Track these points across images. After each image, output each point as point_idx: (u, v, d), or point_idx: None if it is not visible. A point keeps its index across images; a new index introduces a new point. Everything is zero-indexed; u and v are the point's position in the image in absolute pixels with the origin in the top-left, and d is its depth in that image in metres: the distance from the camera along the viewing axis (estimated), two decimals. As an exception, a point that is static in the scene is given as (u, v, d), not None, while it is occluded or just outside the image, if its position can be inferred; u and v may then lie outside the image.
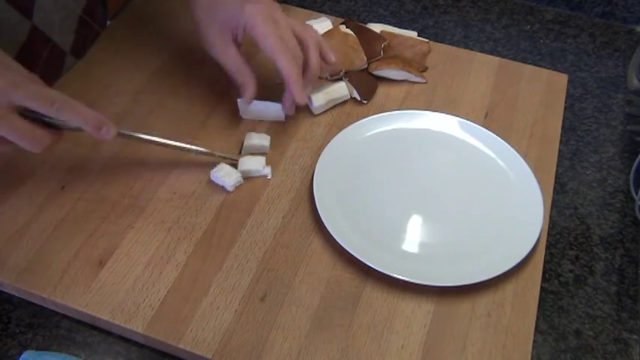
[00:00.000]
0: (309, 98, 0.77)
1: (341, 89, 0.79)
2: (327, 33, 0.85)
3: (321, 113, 0.78)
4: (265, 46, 0.70)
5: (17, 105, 0.58)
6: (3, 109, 0.57)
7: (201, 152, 0.70)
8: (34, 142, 0.60)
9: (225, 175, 0.69)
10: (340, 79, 0.81)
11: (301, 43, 0.72)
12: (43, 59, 0.58)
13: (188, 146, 0.70)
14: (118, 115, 0.76)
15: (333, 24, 0.87)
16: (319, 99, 0.77)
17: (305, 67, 0.73)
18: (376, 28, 0.86)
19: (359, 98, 0.80)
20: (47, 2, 0.75)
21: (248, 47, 0.75)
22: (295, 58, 0.71)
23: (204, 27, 0.73)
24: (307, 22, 0.86)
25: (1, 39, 0.71)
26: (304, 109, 0.79)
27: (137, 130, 0.67)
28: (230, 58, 0.73)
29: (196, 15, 0.73)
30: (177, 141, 0.69)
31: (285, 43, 0.70)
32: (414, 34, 0.87)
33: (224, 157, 0.71)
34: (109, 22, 0.92)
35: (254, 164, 0.71)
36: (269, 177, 0.71)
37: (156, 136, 0.68)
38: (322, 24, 0.86)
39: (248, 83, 0.73)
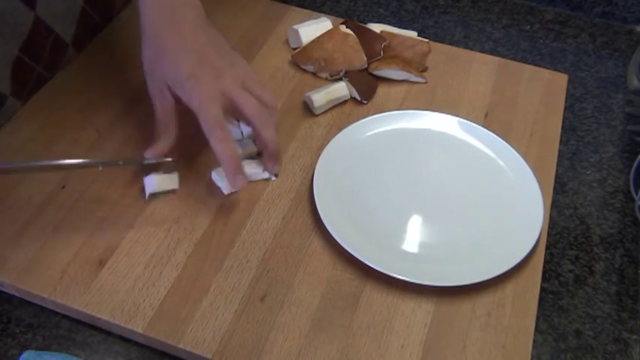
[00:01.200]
0: (310, 99, 0.77)
1: (341, 89, 0.79)
2: (327, 33, 0.85)
3: (321, 113, 0.78)
4: (202, 125, 0.64)
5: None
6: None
7: (105, 164, 0.65)
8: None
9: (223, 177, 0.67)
10: (340, 79, 0.81)
11: (247, 120, 0.67)
12: (46, 50, 0.56)
13: (83, 161, 0.65)
14: (117, 114, 0.76)
15: (333, 24, 0.87)
16: (320, 99, 0.77)
17: (262, 145, 0.69)
18: (376, 28, 0.86)
19: (359, 98, 0.80)
20: None
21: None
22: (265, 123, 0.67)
23: (148, 68, 0.68)
24: (307, 22, 0.86)
25: (4, 30, 0.71)
26: (305, 110, 0.79)
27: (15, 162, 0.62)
28: (163, 109, 0.67)
29: (144, 53, 0.68)
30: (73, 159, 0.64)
31: (221, 121, 0.64)
32: (414, 34, 0.87)
33: (131, 164, 0.66)
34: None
35: (254, 167, 0.70)
36: (274, 178, 0.71)
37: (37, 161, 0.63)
38: (322, 24, 0.86)
39: (163, 142, 0.67)
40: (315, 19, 0.87)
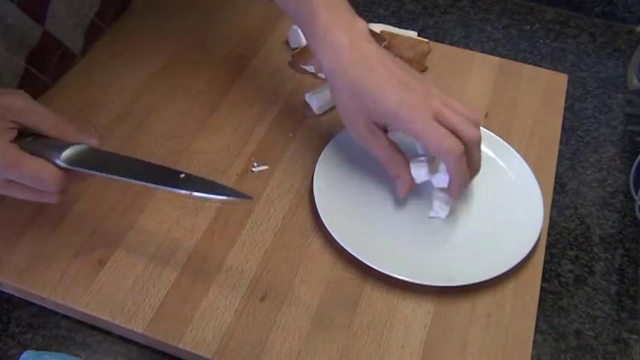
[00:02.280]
0: (311, 98, 0.77)
1: None
2: None
3: (321, 113, 0.78)
4: (431, 148, 0.62)
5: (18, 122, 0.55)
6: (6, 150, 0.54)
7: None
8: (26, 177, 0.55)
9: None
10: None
11: (461, 139, 0.62)
12: (53, 62, 0.56)
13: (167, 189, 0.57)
14: (117, 115, 0.76)
15: None
16: (320, 99, 0.77)
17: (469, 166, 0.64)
18: (376, 28, 0.86)
19: (359, 98, 0.80)
20: (60, 8, 0.74)
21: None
22: (468, 150, 0.62)
23: (348, 114, 0.65)
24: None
25: (11, 43, 0.70)
26: (305, 110, 0.79)
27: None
28: (382, 149, 0.66)
29: (339, 98, 0.65)
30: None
31: (453, 137, 0.61)
32: (414, 34, 0.87)
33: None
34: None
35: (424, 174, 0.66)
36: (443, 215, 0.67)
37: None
38: None
39: (403, 175, 0.66)
40: None
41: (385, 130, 0.66)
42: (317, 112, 0.78)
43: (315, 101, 0.77)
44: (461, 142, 0.61)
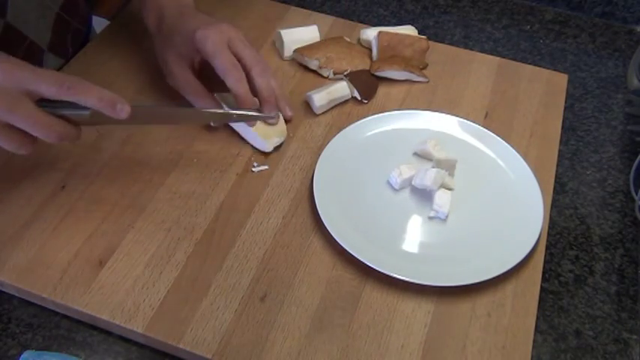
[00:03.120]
0: (311, 98, 0.77)
1: (342, 89, 0.79)
2: (332, 39, 0.85)
3: (322, 113, 0.78)
4: (216, 66, 0.69)
5: (29, 90, 0.56)
6: (16, 95, 0.55)
7: (238, 116, 0.71)
8: (50, 130, 0.57)
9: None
10: (341, 79, 0.81)
11: (245, 66, 0.71)
12: (20, 57, 0.57)
13: (218, 110, 0.71)
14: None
15: (322, 33, 0.87)
16: (321, 99, 0.77)
17: (257, 93, 0.71)
18: (373, 31, 0.86)
19: (359, 98, 0.80)
20: (20, 0, 0.74)
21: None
22: (250, 75, 0.71)
23: (161, 56, 0.74)
24: (296, 29, 0.86)
25: None
26: (305, 110, 0.79)
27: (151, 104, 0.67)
28: (187, 84, 0.73)
29: (155, 46, 0.75)
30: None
31: (236, 63, 0.70)
32: (411, 28, 0.87)
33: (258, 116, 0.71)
34: (99, 19, 0.92)
35: (429, 179, 0.68)
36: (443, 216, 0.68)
37: (173, 106, 0.69)
38: (310, 35, 0.86)
39: (206, 104, 0.73)
40: (307, 26, 0.87)
41: (195, 73, 0.73)
42: (318, 112, 0.78)
43: (317, 101, 0.77)
44: (244, 68, 0.70)
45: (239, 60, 0.70)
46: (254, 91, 0.71)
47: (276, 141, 0.73)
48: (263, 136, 0.72)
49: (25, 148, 0.58)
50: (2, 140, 0.57)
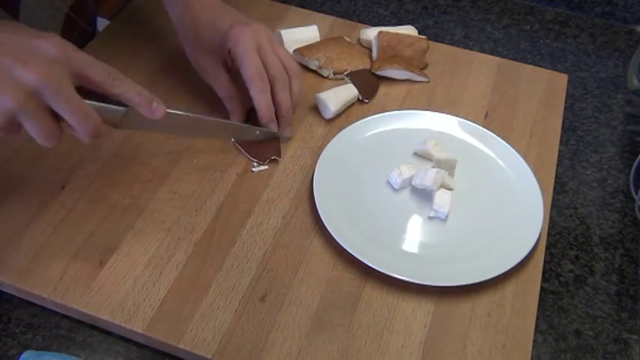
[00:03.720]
0: (326, 105, 0.76)
1: (351, 91, 0.78)
2: (332, 39, 0.85)
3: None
4: (243, 72, 0.70)
5: (75, 73, 0.54)
6: (64, 76, 0.53)
7: (261, 132, 0.73)
8: (89, 121, 0.55)
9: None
10: (345, 80, 0.81)
11: (269, 79, 0.71)
12: None
13: (241, 124, 0.73)
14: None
15: (322, 33, 0.87)
16: (337, 105, 0.76)
17: (275, 106, 0.72)
18: (372, 30, 0.86)
19: (361, 97, 0.80)
20: (33, 0, 0.74)
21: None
22: (274, 87, 0.71)
23: (193, 52, 0.74)
24: (296, 29, 0.86)
25: None
26: (305, 109, 0.78)
27: (185, 110, 0.68)
28: (221, 84, 0.74)
29: (185, 38, 0.74)
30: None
31: (263, 72, 0.70)
32: (411, 28, 0.87)
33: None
34: (101, 20, 0.92)
35: (429, 180, 0.68)
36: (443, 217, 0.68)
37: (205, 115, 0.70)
38: (310, 35, 0.86)
39: (236, 111, 0.74)
40: (307, 25, 0.87)
41: (228, 69, 0.73)
42: (327, 117, 0.77)
43: (331, 107, 0.76)
44: (269, 77, 0.70)
45: (266, 67, 0.70)
46: (274, 102, 0.72)
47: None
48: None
49: (53, 138, 0.54)
50: (35, 124, 0.53)
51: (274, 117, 0.72)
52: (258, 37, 0.70)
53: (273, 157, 0.72)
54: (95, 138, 0.56)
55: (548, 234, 0.69)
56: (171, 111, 0.62)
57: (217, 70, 0.73)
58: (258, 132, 0.73)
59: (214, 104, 0.78)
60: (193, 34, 0.73)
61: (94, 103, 0.57)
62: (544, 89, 0.83)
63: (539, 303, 0.62)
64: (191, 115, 0.68)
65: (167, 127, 0.68)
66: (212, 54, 0.72)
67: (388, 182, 0.71)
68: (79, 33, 0.87)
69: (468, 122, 0.77)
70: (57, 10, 0.80)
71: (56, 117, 0.54)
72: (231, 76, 0.74)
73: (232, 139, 0.74)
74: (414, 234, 0.67)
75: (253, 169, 0.72)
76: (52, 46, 0.53)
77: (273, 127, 0.73)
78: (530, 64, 0.88)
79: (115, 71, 0.57)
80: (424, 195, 0.70)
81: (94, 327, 0.60)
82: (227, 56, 0.72)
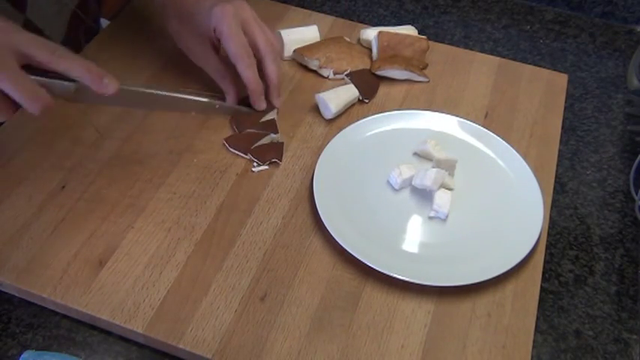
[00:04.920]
0: (327, 105, 0.76)
1: (352, 92, 0.78)
2: (332, 39, 0.85)
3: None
4: (228, 49, 0.71)
5: (19, 53, 0.55)
6: (6, 55, 0.55)
7: (220, 107, 0.74)
8: (35, 99, 0.57)
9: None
10: (345, 81, 0.81)
11: (259, 52, 0.73)
12: None
13: (197, 98, 0.74)
14: (118, 115, 0.76)
15: (322, 33, 0.87)
16: (338, 106, 0.76)
17: (266, 78, 0.74)
18: (372, 30, 0.86)
19: (361, 97, 0.80)
20: None
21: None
22: (260, 62, 0.73)
23: (183, 37, 0.75)
24: (296, 29, 0.86)
25: None
26: (304, 109, 0.78)
27: (141, 85, 0.69)
28: (211, 66, 0.75)
29: (172, 26, 0.75)
30: (185, 94, 0.73)
31: (248, 48, 0.71)
32: (411, 28, 0.87)
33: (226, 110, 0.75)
34: (102, 20, 0.92)
35: (429, 179, 0.69)
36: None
37: (161, 90, 0.71)
38: (310, 35, 0.86)
39: (230, 91, 0.76)
40: (307, 25, 0.87)
41: (217, 50, 0.74)
42: (327, 118, 0.77)
43: (333, 108, 0.76)
44: (258, 53, 0.72)
45: (253, 44, 0.72)
46: (261, 74, 0.73)
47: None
48: None
49: (3, 113, 0.57)
50: None
51: (263, 93, 0.74)
52: (242, 14, 0.71)
53: (273, 160, 0.72)
54: (46, 112, 0.58)
55: (548, 234, 0.69)
56: (125, 87, 0.63)
57: (206, 50, 0.74)
58: (217, 106, 0.74)
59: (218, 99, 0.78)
60: (178, 18, 0.74)
61: (42, 79, 0.58)
62: (544, 89, 0.83)
63: (539, 303, 0.62)
64: (146, 90, 0.69)
65: (122, 100, 0.68)
66: (199, 35, 0.73)
67: (388, 182, 0.71)
68: (85, 30, 0.87)
69: (468, 122, 0.77)
70: (64, 6, 0.81)
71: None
72: (220, 57, 0.75)
73: (226, 143, 0.74)
74: (414, 234, 0.67)
75: (253, 169, 0.72)
76: None
77: (263, 102, 0.75)
78: (530, 64, 0.88)
79: (61, 48, 0.58)
80: (424, 195, 0.70)
81: (94, 327, 0.60)
82: (213, 35, 0.73)
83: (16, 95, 0.56)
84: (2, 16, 0.57)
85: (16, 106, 0.58)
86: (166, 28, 0.76)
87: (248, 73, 0.72)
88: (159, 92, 0.72)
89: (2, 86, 0.55)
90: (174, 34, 0.76)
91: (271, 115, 0.77)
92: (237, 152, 0.73)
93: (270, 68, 0.74)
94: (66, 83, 0.61)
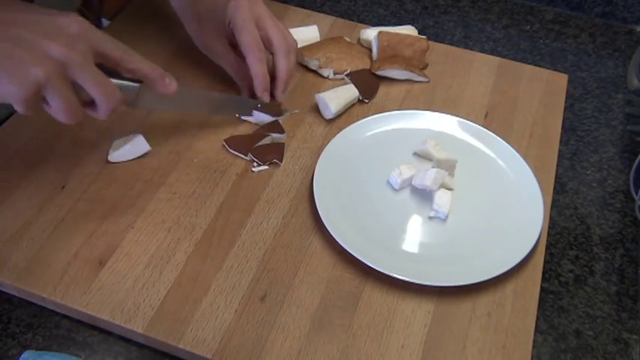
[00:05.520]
0: (327, 105, 0.76)
1: (352, 92, 0.78)
2: (332, 39, 0.85)
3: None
4: (240, 41, 0.72)
5: (97, 50, 0.56)
6: (87, 52, 0.55)
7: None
8: (112, 97, 0.57)
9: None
10: (345, 81, 0.81)
11: (272, 46, 0.75)
12: None
13: (243, 98, 0.77)
14: (118, 114, 0.76)
15: (322, 33, 0.87)
16: (338, 106, 0.76)
17: (276, 71, 0.76)
18: (372, 30, 0.86)
19: (361, 97, 0.80)
20: None
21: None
22: (267, 58, 0.74)
23: (201, 36, 0.76)
24: (296, 29, 0.86)
25: None
26: (305, 109, 0.78)
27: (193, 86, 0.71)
28: (228, 62, 0.76)
29: (192, 28, 0.77)
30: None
31: (260, 42, 0.73)
32: (411, 28, 0.87)
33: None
34: (104, 20, 0.92)
35: (429, 180, 0.69)
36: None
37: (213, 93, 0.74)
38: (310, 35, 0.86)
39: (246, 87, 0.77)
40: (307, 25, 0.87)
41: (234, 46, 0.75)
42: (327, 118, 0.77)
43: (333, 108, 0.76)
44: (271, 47, 0.74)
45: (267, 39, 0.73)
46: (271, 68, 0.75)
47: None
48: None
49: (76, 114, 0.56)
50: (60, 97, 0.54)
51: (269, 87, 0.75)
52: (257, 9, 0.73)
53: (274, 160, 0.72)
54: (113, 110, 0.58)
55: (548, 234, 0.69)
56: (182, 86, 0.66)
57: (224, 47, 0.75)
58: (260, 105, 0.76)
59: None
60: (197, 15, 0.75)
61: (113, 79, 0.59)
62: (544, 89, 0.83)
63: (539, 303, 0.62)
64: (200, 90, 0.72)
65: (177, 103, 0.70)
66: (216, 31, 0.74)
67: (388, 182, 0.71)
68: None
69: (468, 122, 0.77)
70: (69, 2, 0.81)
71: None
72: (237, 53, 0.76)
73: (225, 144, 0.74)
74: (414, 234, 0.67)
75: (253, 169, 0.72)
76: (74, 22, 0.56)
77: (266, 97, 0.76)
78: (530, 64, 0.88)
79: (129, 49, 0.59)
80: (424, 195, 0.70)
81: (94, 327, 0.60)
82: (229, 31, 0.74)
83: (96, 92, 0.56)
84: (77, 15, 0.57)
85: (88, 107, 0.58)
86: (187, 30, 0.78)
87: (257, 66, 0.73)
88: (211, 92, 0.75)
89: (82, 80, 0.55)
90: (194, 35, 0.77)
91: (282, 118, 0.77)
92: (237, 154, 0.73)
93: (281, 63, 0.75)
94: (132, 84, 0.62)
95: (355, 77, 0.81)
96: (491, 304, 0.62)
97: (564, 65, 0.90)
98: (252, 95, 0.77)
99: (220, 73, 0.78)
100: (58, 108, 0.55)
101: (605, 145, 0.79)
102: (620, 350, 0.61)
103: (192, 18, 0.76)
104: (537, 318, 0.62)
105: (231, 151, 0.73)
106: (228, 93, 0.79)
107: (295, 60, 0.77)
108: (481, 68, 0.86)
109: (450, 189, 0.69)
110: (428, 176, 0.68)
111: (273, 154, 0.73)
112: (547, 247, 0.67)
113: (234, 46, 0.76)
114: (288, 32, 0.76)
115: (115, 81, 0.60)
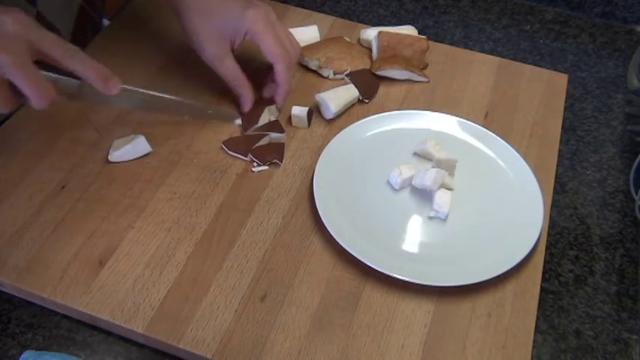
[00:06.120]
0: (327, 105, 0.76)
1: (352, 92, 0.78)
2: (332, 39, 0.85)
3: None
4: (267, 50, 0.72)
5: (34, 48, 0.57)
6: (22, 49, 0.56)
7: (214, 112, 0.75)
8: (42, 93, 0.58)
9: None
10: (345, 81, 0.81)
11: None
12: None
13: (195, 103, 0.75)
14: (117, 114, 0.76)
15: (322, 33, 0.87)
16: (338, 106, 0.76)
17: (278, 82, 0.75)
18: (372, 30, 0.86)
19: (361, 97, 0.80)
20: None
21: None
22: (292, 64, 0.74)
23: (201, 36, 0.73)
24: (296, 29, 0.86)
25: None
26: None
27: (141, 86, 0.70)
28: (228, 69, 0.75)
29: (191, 24, 0.73)
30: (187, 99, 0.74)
31: (285, 49, 0.72)
32: (411, 28, 0.87)
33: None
34: (104, 21, 0.92)
35: (429, 180, 0.68)
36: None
37: (162, 92, 0.72)
38: (310, 35, 0.86)
39: (246, 95, 0.76)
40: (307, 25, 0.87)
41: (233, 52, 0.74)
42: (327, 118, 0.77)
43: (333, 108, 0.76)
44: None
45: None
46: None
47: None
48: None
49: (8, 105, 0.59)
50: None
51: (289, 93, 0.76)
52: (270, 17, 0.73)
53: (274, 161, 0.72)
54: (45, 105, 0.60)
55: (548, 234, 0.69)
56: (127, 87, 0.66)
57: (227, 54, 0.74)
58: (210, 111, 0.75)
59: (215, 103, 0.78)
60: (198, 15, 0.73)
61: (50, 74, 0.61)
62: (544, 89, 0.83)
63: (539, 303, 0.62)
64: (146, 91, 0.71)
65: (121, 101, 0.70)
66: (220, 36, 0.73)
67: (388, 182, 0.71)
68: (91, 26, 0.87)
69: (468, 122, 0.77)
70: (72, 0, 0.81)
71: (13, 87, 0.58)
72: (236, 60, 0.75)
73: (223, 146, 0.74)
74: (414, 234, 0.67)
75: (253, 169, 0.72)
76: (12, 20, 0.56)
77: (284, 104, 0.77)
78: (530, 64, 0.88)
79: (74, 48, 0.60)
80: (424, 195, 0.70)
81: (94, 327, 0.60)
82: (236, 38, 0.73)
83: (25, 88, 0.57)
84: (22, 11, 0.58)
85: (19, 99, 0.59)
86: (179, 22, 0.74)
87: (285, 74, 0.73)
88: (158, 94, 0.72)
89: (13, 78, 0.57)
90: (189, 31, 0.73)
91: (274, 117, 0.77)
92: (236, 155, 0.73)
93: (284, 75, 0.74)
94: (72, 80, 0.63)
95: (355, 77, 0.81)
96: (491, 304, 0.62)
97: (564, 65, 0.90)
98: (252, 105, 0.76)
99: (219, 77, 0.78)
100: None
101: (605, 145, 0.79)
102: (620, 350, 0.61)
103: (194, 16, 0.73)
104: (537, 318, 0.62)
105: (230, 152, 0.73)
106: (227, 92, 0.78)
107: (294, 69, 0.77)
108: (481, 68, 0.86)
109: (450, 189, 0.69)
110: (428, 176, 0.68)
111: (273, 154, 0.73)
112: (547, 247, 0.67)
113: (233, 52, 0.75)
114: (297, 42, 0.77)
115: (55, 76, 0.61)
